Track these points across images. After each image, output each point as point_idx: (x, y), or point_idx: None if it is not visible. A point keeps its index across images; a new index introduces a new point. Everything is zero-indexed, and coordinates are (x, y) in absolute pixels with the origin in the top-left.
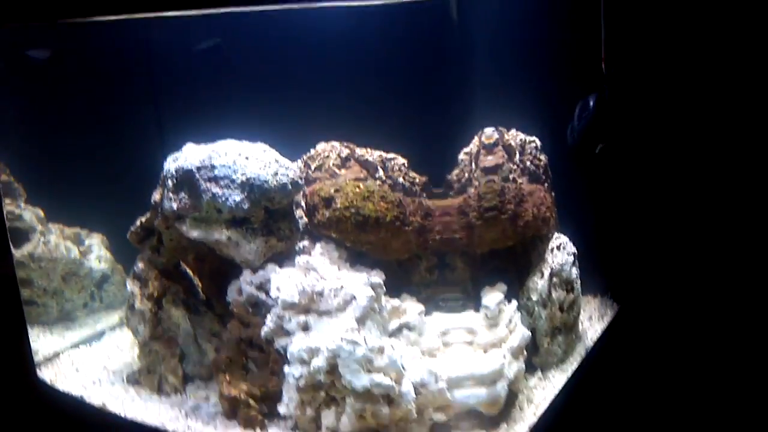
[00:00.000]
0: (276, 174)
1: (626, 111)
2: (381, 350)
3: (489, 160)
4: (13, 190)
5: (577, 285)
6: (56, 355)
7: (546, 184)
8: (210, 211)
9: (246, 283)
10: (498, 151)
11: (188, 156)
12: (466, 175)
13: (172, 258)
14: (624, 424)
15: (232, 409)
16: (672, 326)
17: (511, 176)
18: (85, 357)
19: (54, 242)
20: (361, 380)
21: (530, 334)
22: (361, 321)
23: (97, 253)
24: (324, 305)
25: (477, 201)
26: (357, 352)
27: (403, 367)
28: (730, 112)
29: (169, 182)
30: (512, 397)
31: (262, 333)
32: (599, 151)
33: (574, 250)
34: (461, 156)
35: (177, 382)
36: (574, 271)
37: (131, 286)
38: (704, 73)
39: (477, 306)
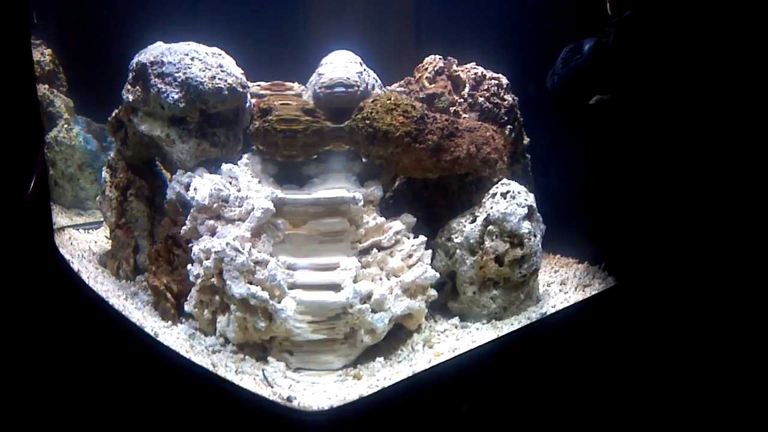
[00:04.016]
0: (214, 78)
1: (637, 62)
2: (264, 263)
3: (429, 88)
4: (57, 79)
5: (531, 242)
6: (61, 228)
7: (509, 126)
8: (155, 107)
9: (176, 182)
10: (440, 80)
11: (148, 51)
12: None
13: (138, 152)
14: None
15: (157, 300)
16: (676, 318)
17: (452, 108)
18: (80, 237)
19: (76, 131)
20: (240, 288)
21: (435, 274)
22: (255, 232)
23: None
24: (229, 213)
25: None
26: (238, 259)
27: (285, 285)
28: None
29: (130, 75)
30: (404, 334)
31: (181, 232)
32: (595, 103)
33: (529, 203)
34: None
35: (129, 269)
36: (526, 225)
37: (105, 173)
38: (740, 29)
39: None
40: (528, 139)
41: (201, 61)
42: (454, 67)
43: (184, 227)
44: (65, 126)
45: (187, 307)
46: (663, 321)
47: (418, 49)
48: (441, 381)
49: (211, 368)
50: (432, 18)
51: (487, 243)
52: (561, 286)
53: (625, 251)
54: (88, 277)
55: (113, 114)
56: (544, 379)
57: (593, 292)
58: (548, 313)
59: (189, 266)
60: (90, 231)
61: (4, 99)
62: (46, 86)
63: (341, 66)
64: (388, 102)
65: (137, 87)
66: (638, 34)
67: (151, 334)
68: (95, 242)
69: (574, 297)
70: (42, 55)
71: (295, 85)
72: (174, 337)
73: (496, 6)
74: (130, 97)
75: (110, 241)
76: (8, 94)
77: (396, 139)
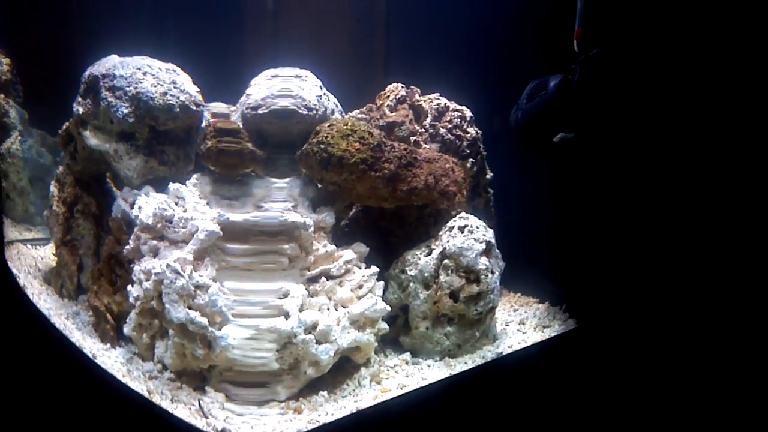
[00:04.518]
0: (165, 94)
1: (603, 101)
2: (205, 288)
3: (390, 116)
4: (13, 89)
5: (488, 278)
6: (10, 243)
7: (471, 160)
8: (105, 121)
9: (122, 199)
10: (402, 109)
11: (101, 63)
12: None
13: (86, 167)
14: None
15: (97, 321)
16: (637, 367)
17: (412, 138)
18: (28, 252)
19: (29, 144)
20: (178, 312)
21: (386, 307)
22: (198, 255)
23: None
24: (172, 234)
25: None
26: (177, 282)
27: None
28: (732, 117)
29: (81, 87)
30: (352, 368)
31: (124, 251)
32: (560, 140)
33: (488, 238)
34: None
35: (72, 288)
36: (484, 261)
37: (53, 187)
38: (708, 71)
39: None
40: (491, 174)
41: (153, 77)
42: (417, 97)
43: (126, 247)
44: (18, 138)
45: (125, 330)
46: (622, 367)
47: (386, 78)
48: (386, 419)
49: (146, 395)
50: (401, 48)
51: (442, 277)
52: (520, 325)
53: (587, 293)
54: (32, 294)
55: (64, 127)
56: (496, 423)
57: (552, 334)
58: (504, 353)
59: (129, 287)
60: (38, 247)
61: None
62: (2, 96)
63: (265, 87)
64: (345, 127)
65: (88, 100)
66: (605, 73)
67: (90, 355)
68: (42, 258)
69: (532, 338)
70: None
71: (221, 104)
72: (112, 360)
73: (467, 40)
74: (81, 110)
75: (56, 258)
76: None
77: (351, 166)
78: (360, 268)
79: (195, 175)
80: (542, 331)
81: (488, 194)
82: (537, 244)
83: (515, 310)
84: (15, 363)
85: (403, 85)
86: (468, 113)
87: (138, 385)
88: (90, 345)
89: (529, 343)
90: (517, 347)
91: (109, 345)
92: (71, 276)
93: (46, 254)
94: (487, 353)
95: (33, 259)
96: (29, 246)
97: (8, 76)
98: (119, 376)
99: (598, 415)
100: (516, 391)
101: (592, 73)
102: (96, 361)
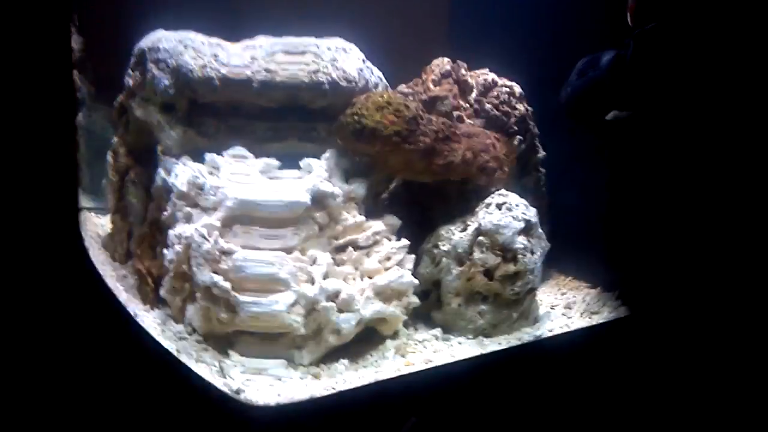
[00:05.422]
0: (204, 66)
1: (658, 77)
2: (231, 253)
3: (433, 90)
4: (85, 67)
5: (526, 258)
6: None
7: (518, 137)
8: (150, 92)
9: (163, 168)
10: (446, 83)
11: (149, 37)
12: None
13: (138, 138)
14: None
15: (139, 283)
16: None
17: (455, 113)
18: (93, 220)
19: (94, 119)
20: (204, 276)
21: (413, 281)
22: (226, 222)
23: None
24: (203, 201)
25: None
26: (203, 246)
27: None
28: None
29: (132, 60)
30: (378, 339)
31: (163, 217)
32: (613, 119)
33: (528, 217)
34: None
35: (122, 253)
36: (521, 240)
37: (109, 157)
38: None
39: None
40: (543, 153)
41: (194, 49)
42: (462, 71)
43: (165, 213)
44: (87, 113)
45: (161, 293)
46: (673, 361)
47: (450, 54)
48: (405, 392)
49: (175, 353)
50: (465, 24)
51: (476, 254)
52: (566, 309)
53: (642, 280)
54: (92, 257)
55: (118, 99)
56: (528, 410)
57: (600, 321)
58: (543, 336)
59: (164, 251)
60: (99, 216)
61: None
62: (75, 72)
63: None
64: (380, 99)
65: (137, 72)
66: (661, 48)
67: (132, 314)
68: (102, 226)
69: (577, 323)
70: (74, 42)
71: None
72: (150, 320)
73: (531, 16)
74: (131, 82)
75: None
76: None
77: (384, 138)
78: (390, 240)
79: (237, 147)
80: (590, 317)
81: (539, 173)
82: (592, 226)
83: (563, 294)
84: (75, 318)
85: (449, 60)
86: (518, 89)
87: (169, 344)
88: (133, 305)
89: (573, 329)
90: (558, 331)
91: (149, 306)
92: (122, 241)
93: (107, 222)
94: (524, 335)
95: (95, 226)
96: (93, 214)
97: (82, 54)
98: (155, 335)
99: (640, 409)
100: (552, 377)
101: (646, 48)
102: (137, 320)
